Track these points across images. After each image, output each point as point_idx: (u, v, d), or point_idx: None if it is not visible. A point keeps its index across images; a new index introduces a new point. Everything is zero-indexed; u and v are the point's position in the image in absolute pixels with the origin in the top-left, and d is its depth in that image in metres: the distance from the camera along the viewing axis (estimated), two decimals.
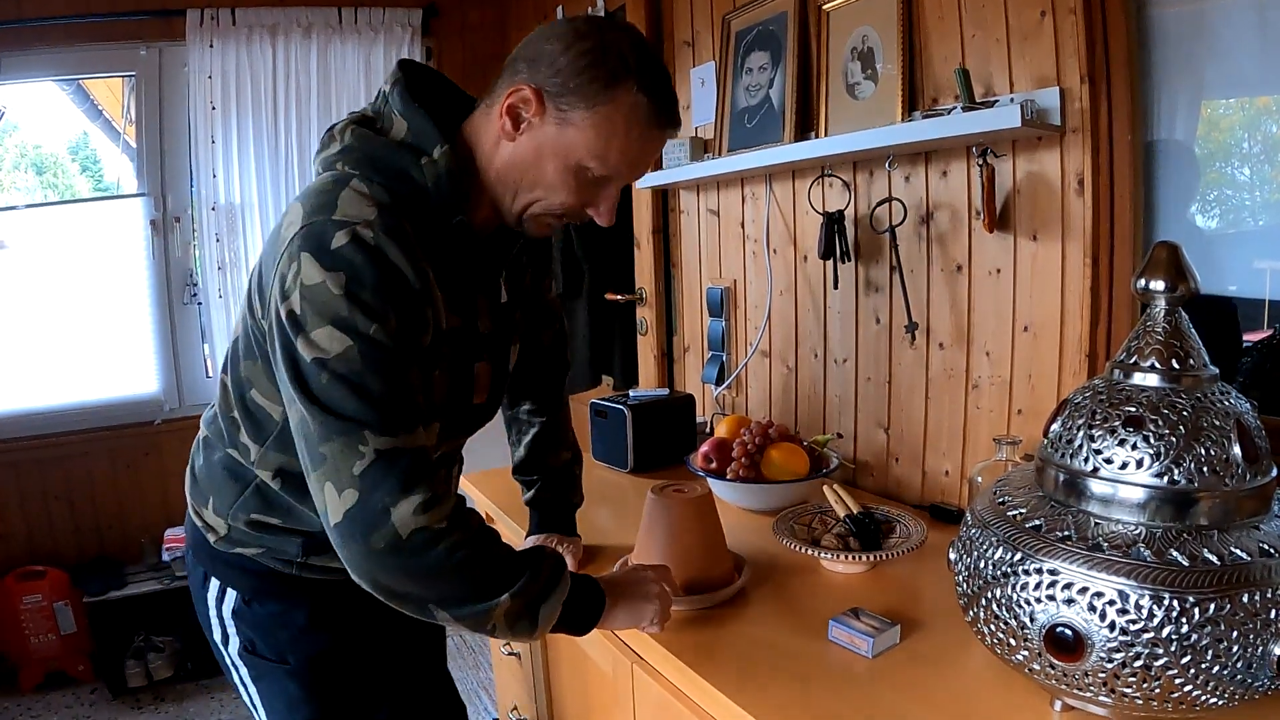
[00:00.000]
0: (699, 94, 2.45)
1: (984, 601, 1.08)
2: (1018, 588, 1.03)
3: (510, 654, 1.93)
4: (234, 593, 1.30)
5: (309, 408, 1.04)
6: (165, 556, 3.36)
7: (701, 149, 2.40)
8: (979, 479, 1.51)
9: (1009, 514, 1.10)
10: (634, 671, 1.37)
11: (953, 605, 1.28)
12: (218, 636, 1.34)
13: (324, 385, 1.03)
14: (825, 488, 1.65)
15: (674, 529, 1.38)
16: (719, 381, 2.43)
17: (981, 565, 1.08)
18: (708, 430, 2.37)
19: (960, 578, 1.14)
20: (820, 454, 1.89)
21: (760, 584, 1.46)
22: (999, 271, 1.66)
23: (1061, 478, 1.07)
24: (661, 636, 1.30)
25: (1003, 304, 1.66)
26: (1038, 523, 1.05)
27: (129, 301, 3.49)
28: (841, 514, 1.58)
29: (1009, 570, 1.04)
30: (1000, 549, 1.06)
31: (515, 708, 2.04)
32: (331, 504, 1.04)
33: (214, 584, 1.31)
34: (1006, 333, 1.66)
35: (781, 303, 2.19)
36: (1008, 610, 1.04)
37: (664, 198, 2.68)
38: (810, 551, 1.45)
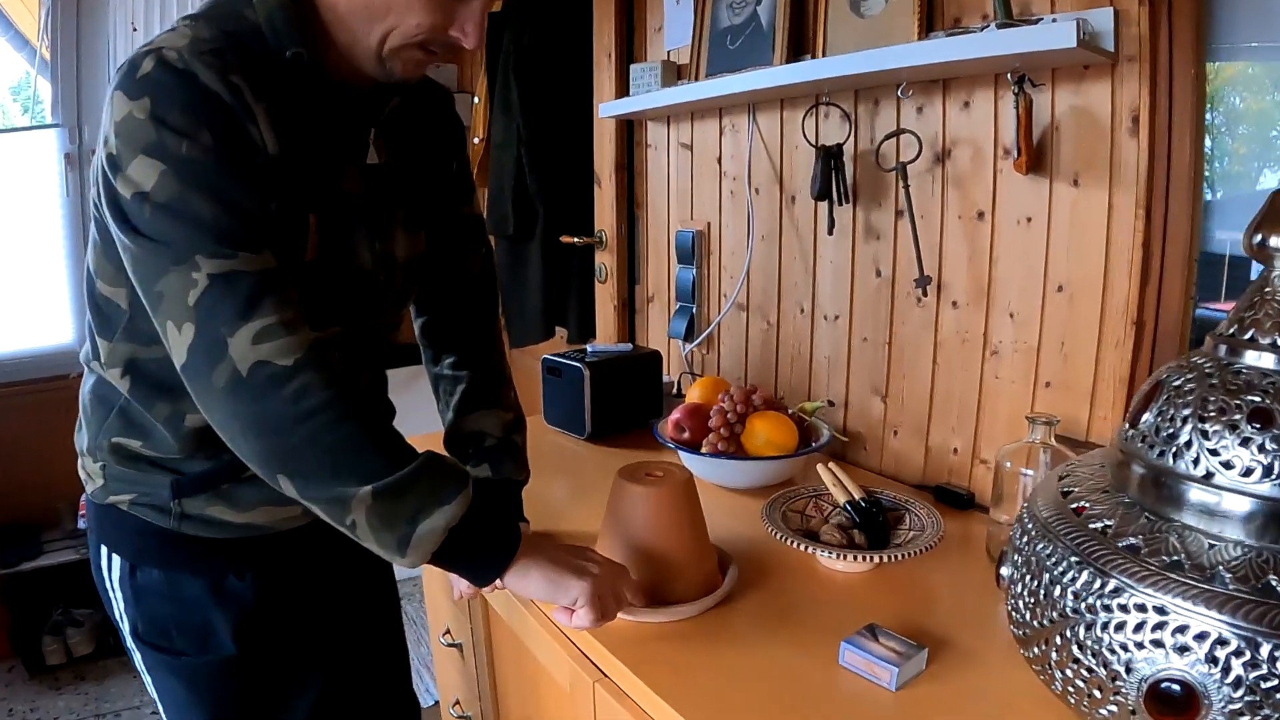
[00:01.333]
0: (673, 12, 2.16)
1: (1057, 640, 0.84)
2: (1110, 628, 0.79)
3: (451, 644, 1.68)
4: (118, 558, 1.15)
5: (138, 246, 0.95)
6: (82, 523, 3.04)
7: (674, 74, 2.12)
8: (1007, 464, 1.28)
9: (1090, 525, 0.86)
10: (595, 691, 1.12)
11: (981, 613, 1.16)
12: (116, 614, 1.19)
13: (148, 220, 0.93)
14: (820, 467, 1.41)
15: (649, 524, 1.13)
16: (688, 336, 2.17)
17: (1056, 593, 0.84)
18: (675, 392, 2.11)
19: (1019, 603, 0.90)
20: (808, 424, 1.65)
21: (748, 586, 1.22)
22: (1029, 220, 1.42)
23: (1158, 481, 0.83)
24: (631, 653, 1.06)
25: (1033, 258, 1.42)
26: (1133, 542, 0.81)
27: (41, 244, 3.13)
28: (841, 500, 1.34)
29: (1098, 603, 0.80)
30: (1084, 573, 0.82)
31: (458, 702, 1.79)
32: (175, 344, 0.95)
33: (103, 549, 1.16)
34: (1036, 292, 1.42)
35: (763, 250, 1.94)
36: (1093, 655, 0.80)
37: (629, 130, 2.40)
38: (811, 550, 1.21)
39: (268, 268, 0.95)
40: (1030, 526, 0.92)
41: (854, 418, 1.77)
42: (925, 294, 1.56)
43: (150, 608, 1.14)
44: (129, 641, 1.17)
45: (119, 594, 1.15)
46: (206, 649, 1.14)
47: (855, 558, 1.19)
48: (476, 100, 3.22)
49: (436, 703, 2.82)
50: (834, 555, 1.20)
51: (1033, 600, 0.88)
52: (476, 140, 3.14)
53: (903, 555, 1.18)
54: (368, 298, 1.15)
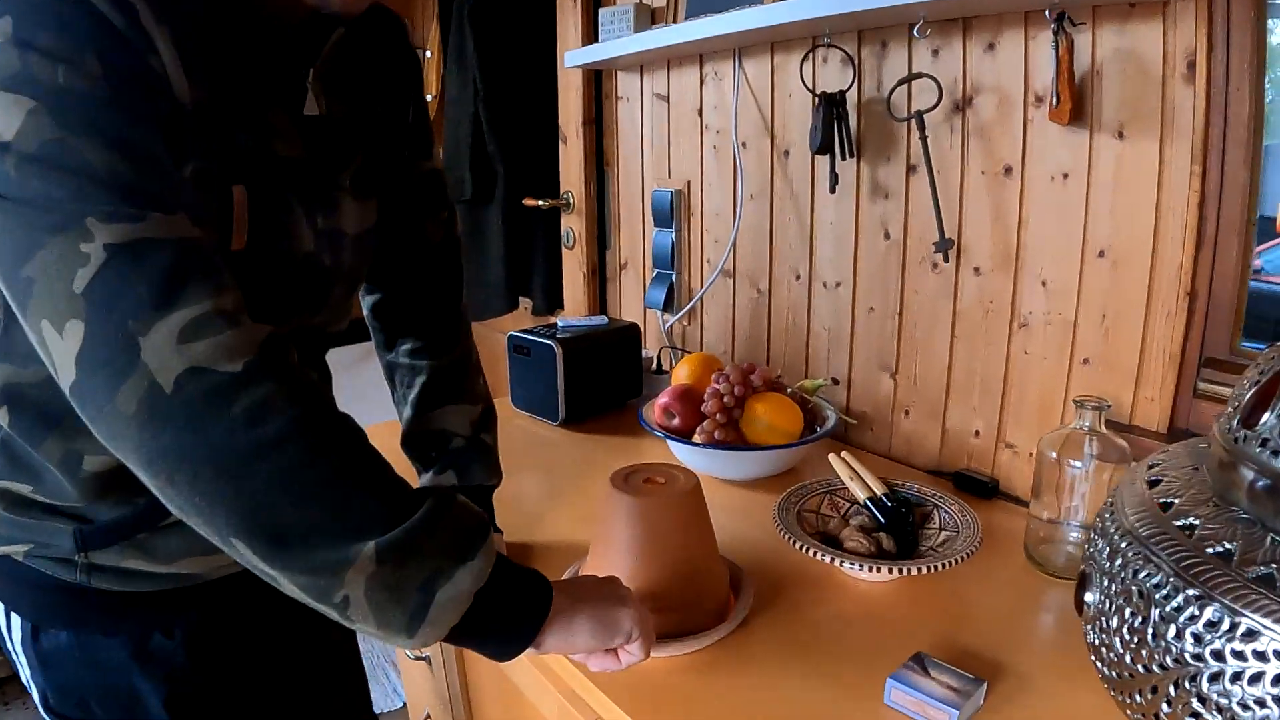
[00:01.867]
0: None
1: (1170, 690, 0.68)
2: (1244, 680, 0.63)
3: (418, 657, 1.50)
4: (17, 617, 0.91)
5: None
6: None
7: (648, 18, 1.92)
8: (1051, 453, 1.12)
9: (1206, 549, 0.70)
10: None
11: (1030, 626, 1.04)
12: (24, 680, 0.96)
13: (13, 178, 0.65)
14: (834, 459, 1.24)
15: (652, 543, 0.95)
16: (668, 307, 1.99)
17: (1170, 634, 0.68)
18: (655, 368, 1.94)
19: (1114, 640, 0.74)
20: (811, 405, 1.48)
21: (764, 604, 1.05)
22: (1066, 177, 1.25)
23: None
24: (635, 695, 0.89)
25: (1070, 220, 1.25)
26: (1266, 571, 0.65)
27: None
28: (861, 496, 1.17)
29: (1226, 649, 0.64)
30: (1207, 610, 0.66)
31: (429, 716, 1.61)
32: (57, 354, 0.66)
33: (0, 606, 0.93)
34: (1073, 257, 1.26)
35: (753, 210, 1.76)
36: (1219, 711, 0.64)
37: (598, 81, 2.19)
38: (837, 562, 1.04)
39: (189, 236, 0.68)
40: (1124, 545, 0.76)
41: (859, 397, 1.60)
42: (946, 258, 1.39)
43: (61, 675, 0.92)
44: (42, 713, 0.96)
45: (23, 659, 0.93)
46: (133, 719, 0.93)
47: (888, 570, 1.02)
48: (428, 54, 3.00)
49: (404, 705, 2.65)
50: (863, 568, 1.03)
51: (1134, 639, 0.72)
52: (430, 97, 2.92)
53: (943, 566, 1.02)
54: (310, 289, 0.91)
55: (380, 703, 2.57)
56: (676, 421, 1.44)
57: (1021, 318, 1.33)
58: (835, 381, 1.62)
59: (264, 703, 1.00)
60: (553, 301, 2.62)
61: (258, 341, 0.68)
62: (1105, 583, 0.77)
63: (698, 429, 1.39)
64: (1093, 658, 0.80)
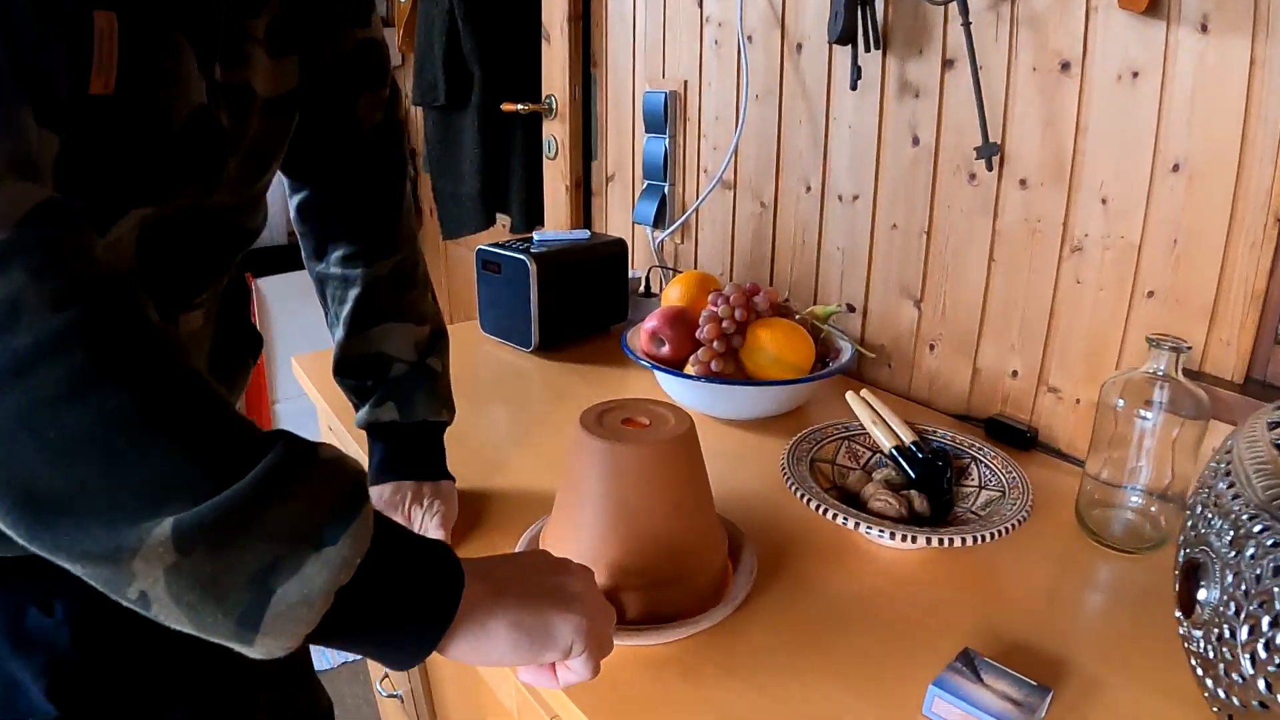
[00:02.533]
0: None
1: None
2: None
3: (390, 695, 1.34)
4: None
5: None
6: None
7: None
8: (1118, 401, 0.92)
9: None
10: None
11: (1088, 611, 0.85)
12: None
13: None
14: (853, 398, 1.05)
15: (633, 504, 0.75)
16: (658, 223, 1.78)
17: None
18: (643, 290, 1.73)
19: (1243, 655, 0.55)
20: (823, 335, 1.28)
21: (769, 576, 0.86)
22: (1136, 76, 1.03)
23: None
24: (614, 695, 0.70)
25: (1138, 126, 1.04)
26: None
27: None
28: (886, 445, 0.98)
29: None
30: None
31: None
32: None
33: None
34: (1141, 171, 1.05)
35: (759, 112, 1.53)
36: None
37: None
38: (861, 528, 0.84)
39: None
40: (1259, 529, 0.57)
41: (876, 327, 1.40)
42: (990, 167, 1.18)
43: None
44: None
45: None
46: (13, 711, 0.74)
47: (927, 540, 0.83)
48: None
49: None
50: (895, 536, 0.84)
51: (1276, 660, 0.53)
52: None
53: (993, 536, 0.83)
54: (199, 155, 0.68)
55: None
56: (666, 350, 1.24)
57: (1075, 240, 1.12)
58: (850, 309, 1.41)
59: (168, 695, 0.81)
60: (532, 218, 2.42)
61: (21, 209, 0.46)
62: (1228, 578, 0.58)
63: (690, 359, 1.19)
64: (1200, 673, 0.61)
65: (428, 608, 0.55)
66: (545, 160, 2.20)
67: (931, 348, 1.32)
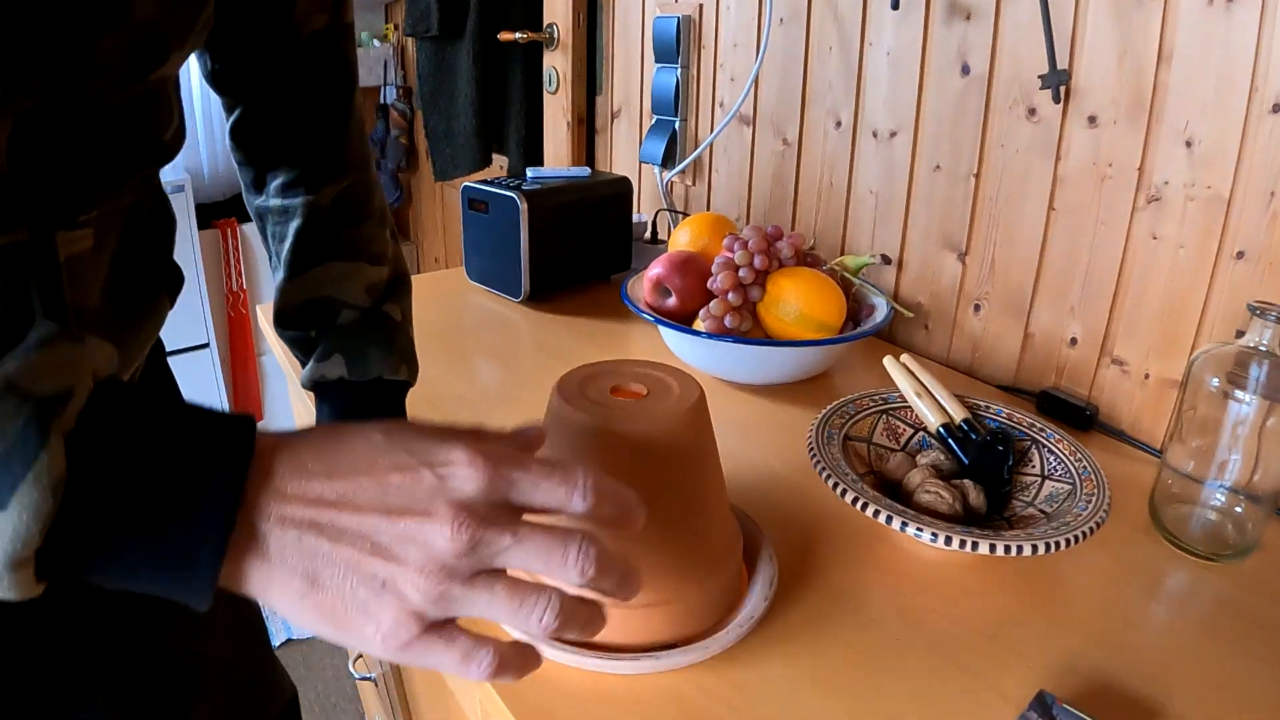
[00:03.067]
0: None
1: None
2: None
3: (363, 677, 1.21)
4: None
5: None
6: None
7: None
8: (1211, 380, 0.77)
9: None
10: None
11: (1172, 636, 0.68)
12: None
13: None
14: (893, 365, 0.89)
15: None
16: (667, 162, 1.61)
17: None
18: (649, 236, 1.56)
19: None
20: (854, 291, 1.12)
21: (793, 581, 0.70)
22: (1230, 0, 0.87)
23: None
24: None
25: (1232, 58, 0.87)
26: None
27: None
28: (935, 424, 0.82)
29: None
30: None
31: None
32: None
33: None
34: (1234, 110, 0.88)
35: (783, 38, 1.36)
36: None
37: None
38: (910, 529, 0.68)
39: None
40: None
41: (913, 283, 1.23)
42: (1057, 98, 1.01)
43: None
44: None
45: None
46: None
47: (990, 548, 0.67)
48: None
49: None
50: (953, 542, 0.67)
51: None
52: None
53: (1069, 542, 0.67)
54: (57, 25, 0.49)
55: None
56: (672, 301, 1.08)
57: (1152, 189, 0.96)
58: (886, 260, 1.25)
59: (72, 686, 0.67)
60: (531, 158, 2.27)
61: None
62: None
63: (701, 313, 1.03)
64: None
65: (182, 558, 0.37)
66: (545, 94, 2.03)
67: (976, 308, 1.16)
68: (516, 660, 0.41)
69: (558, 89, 1.96)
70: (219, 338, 2.68)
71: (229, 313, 2.74)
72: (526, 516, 0.40)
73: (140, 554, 0.36)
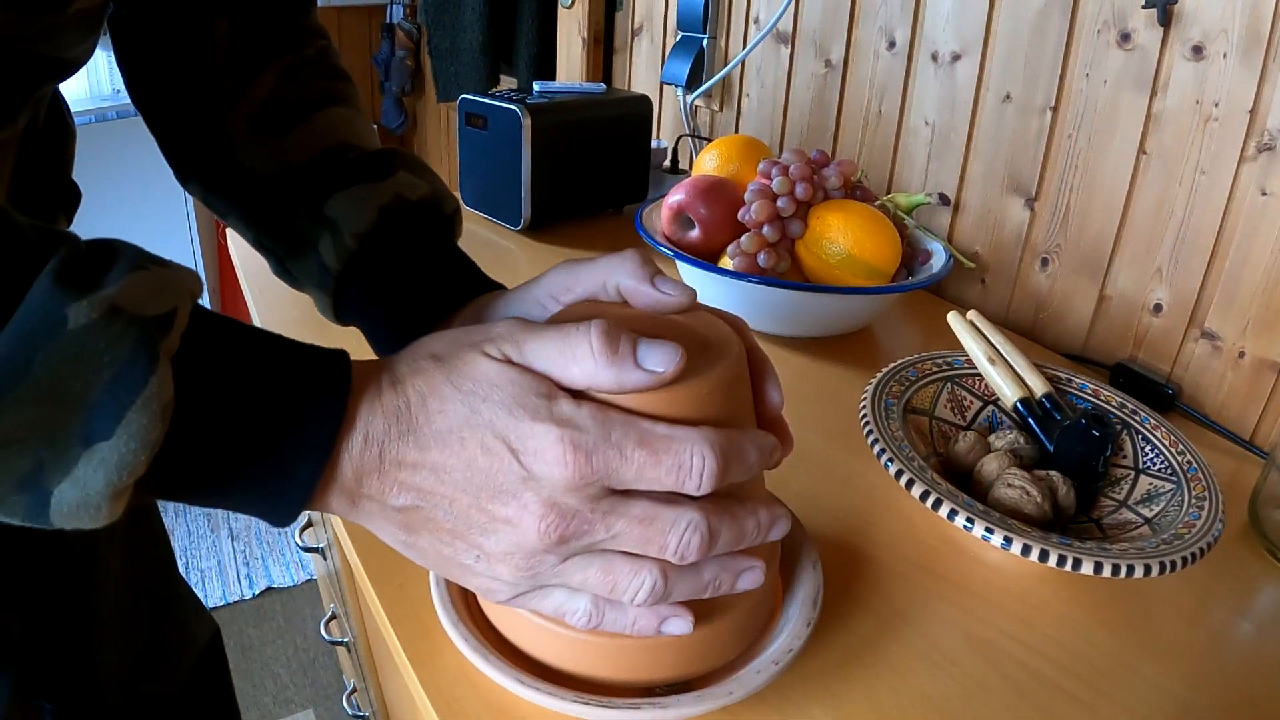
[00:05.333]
0: None
1: None
2: None
3: (334, 641, 1.10)
4: None
5: None
6: None
7: None
8: None
9: None
10: None
11: None
12: None
13: None
14: (958, 322, 0.74)
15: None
16: (692, 83, 1.44)
17: None
18: (670, 164, 1.41)
19: None
20: (908, 234, 0.97)
21: (834, 595, 0.56)
22: None
23: None
24: None
25: None
26: None
27: None
28: (1010, 399, 0.68)
29: None
30: None
31: (354, 690, 1.21)
32: None
33: None
34: None
35: None
36: None
37: None
38: (996, 539, 0.54)
39: None
40: None
41: (970, 229, 1.08)
42: (1163, 19, 0.85)
43: None
44: None
45: None
46: None
47: (1095, 567, 0.52)
48: None
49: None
50: (1047, 555, 0.53)
51: None
52: None
53: (1182, 562, 0.53)
54: None
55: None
56: (696, 234, 0.92)
57: (1265, 136, 0.80)
58: (945, 200, 1.09)
59: None
60: (544, 75, 2.10)
61: None
62: None
63: (729, 249, 0.88)
64: None
65: (277, 486, 0.37)
66: (560, 9, 1.87)
67: (1044, 263, 1.01)
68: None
69: (573, 3, 1.80)
70: (210, 287, 2.57)
71: (220, 263, 2.64)
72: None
73: (237, 481, 0.37)
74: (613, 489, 0.37)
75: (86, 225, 0.42)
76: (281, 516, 0.38)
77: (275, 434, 0.36)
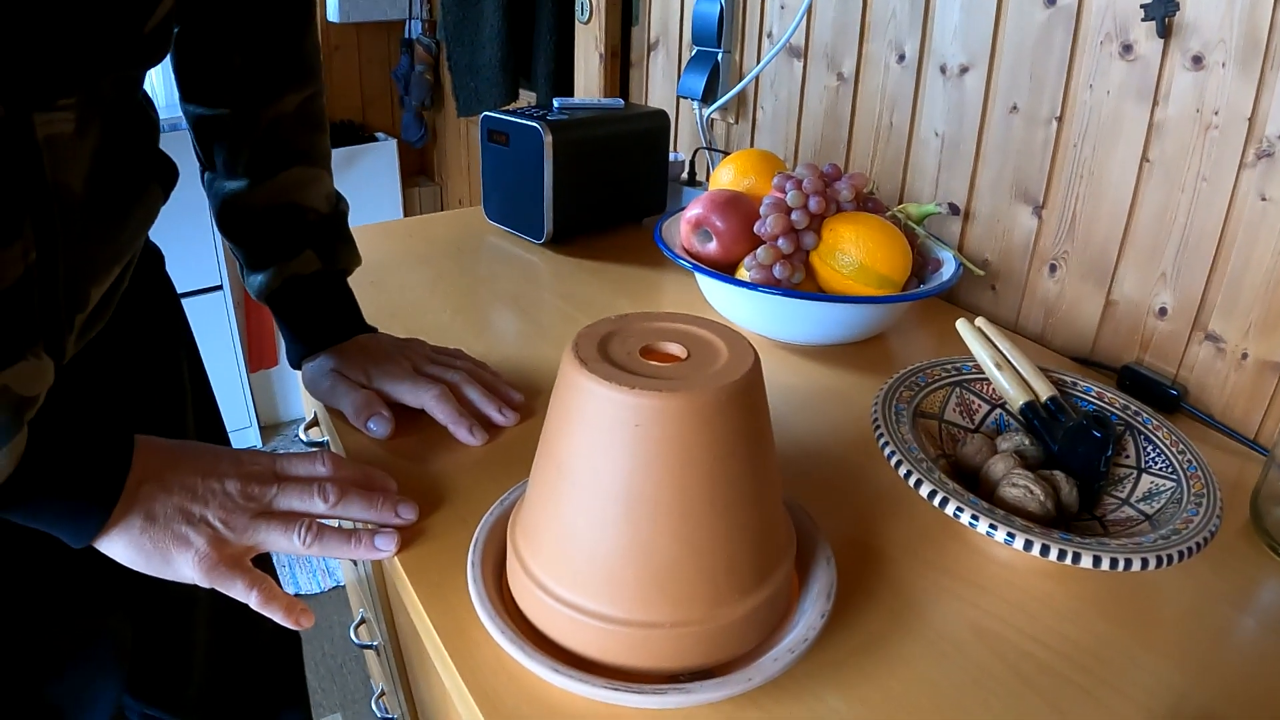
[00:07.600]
0: None
1: None
2: None
3: (363, 645, 1.17)
4: None
5: None
6: None
7: None
8: None
9: None
10: None
11: None
12: None
13: None
14: (967, 329, 0.77)
15: (652, 497, 0.47)
16: (708, 97, 1.48)
17: None
18: (686, 177, 1.44)
19: None
20: (919, 243, 1.00)
21: (848, 587, 0.60)
22: None
23: None
24: None
25: None
26: None
27: None
28: (1016, 403, 0.71)
29: None
30: None
31: (383, 693, 1.24)
32: None
33: None
34: None
35: None
36: None
37: None
38: (1002, 535, 0.57)
39: None
40: None
41: (980, 237, 1.11)
42: (1162, 31, 0.88)
43: None
44: None
45: None
46: None
47: (1094, 561, 0.55)
48: None
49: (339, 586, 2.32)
50: (1052, 552, 0.56)
51: None
52: None
53: (1179, 556, 0.56)
54: None
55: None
56: (713, 247, 0.96)
57: (1264, 143, 0.83)
58: (954, 209, 1.12)
59: None
60: (560, 93, 2.14)
61: None
62: None
63: (745, 261, 0.91)
64: None
65: (77, 514, 0.55)
66: (577, 24, 1.90)
67: (1052, 269, 1.04)
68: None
69: (590, 18, 1.83)
70: (232, 279, 2.59)
71: None
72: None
73: (50, 506, 0.54)
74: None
75: None
76: (80, 537, 0.55)
77: (80, 481, 0.54)
